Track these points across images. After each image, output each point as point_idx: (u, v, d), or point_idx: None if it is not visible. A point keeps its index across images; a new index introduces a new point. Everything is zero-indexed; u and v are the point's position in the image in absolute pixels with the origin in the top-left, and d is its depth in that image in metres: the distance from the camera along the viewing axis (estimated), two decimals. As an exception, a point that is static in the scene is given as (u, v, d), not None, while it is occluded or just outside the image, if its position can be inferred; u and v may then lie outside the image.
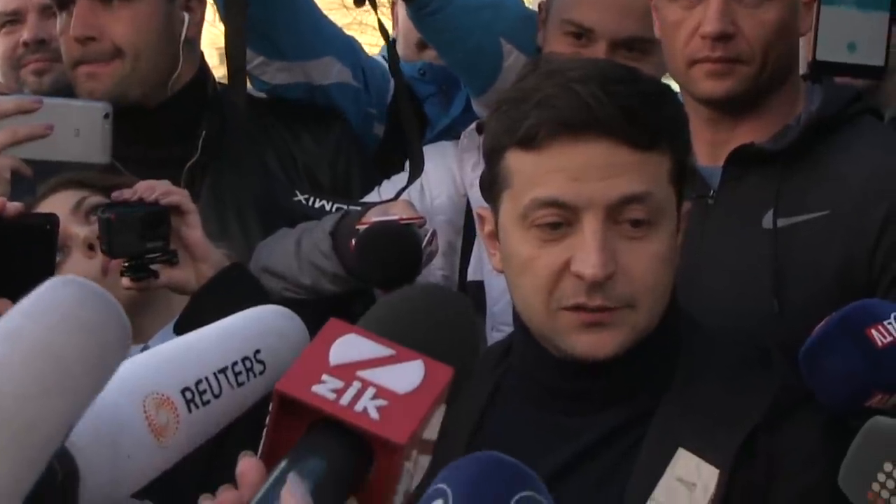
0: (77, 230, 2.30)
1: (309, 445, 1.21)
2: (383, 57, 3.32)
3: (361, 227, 2.34)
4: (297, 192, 2.66)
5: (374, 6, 2.63)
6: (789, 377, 1.78)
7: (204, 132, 2.68)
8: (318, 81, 2.78)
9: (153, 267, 2.26)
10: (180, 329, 2.30)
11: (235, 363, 1.43)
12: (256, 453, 1.24)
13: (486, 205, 1.89)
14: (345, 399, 1.20)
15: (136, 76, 2.63)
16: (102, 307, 1.15)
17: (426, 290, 1.42)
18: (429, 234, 2.37)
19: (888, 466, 1.58)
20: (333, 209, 2.62)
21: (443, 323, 1.35)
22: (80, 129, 2.41)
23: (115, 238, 2.22)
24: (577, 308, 1.74)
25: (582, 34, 2.56)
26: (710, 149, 2.22)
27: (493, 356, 1.97)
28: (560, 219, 1.73)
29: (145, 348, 2.34)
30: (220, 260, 2.32)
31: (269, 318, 1.53)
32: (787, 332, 1.94)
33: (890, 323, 1.69)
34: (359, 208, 2.53)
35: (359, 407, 1.20)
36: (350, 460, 1.20)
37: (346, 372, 1.22)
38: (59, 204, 2.34)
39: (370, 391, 1.21)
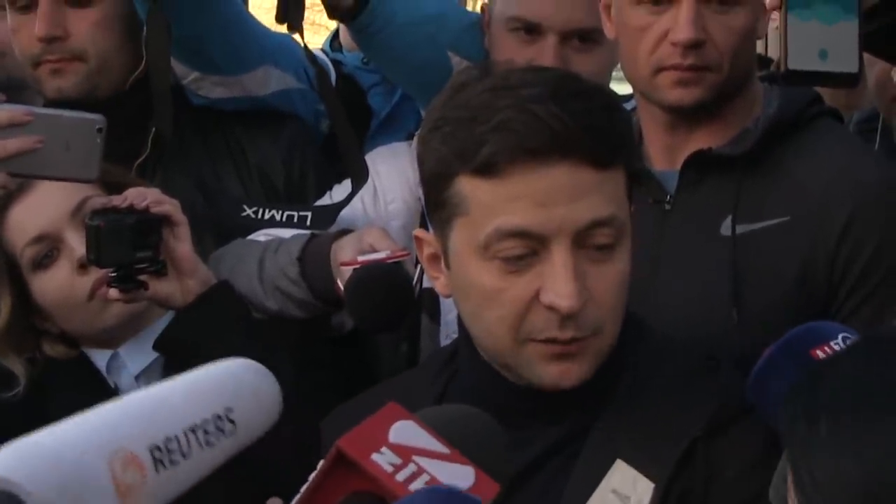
0: (74, 243, 2.21)
1: None
2: (324, 51, 3.28)
3: (346, 268, 2.21)
4: (245, 207, 2.57)
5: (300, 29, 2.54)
6: (734, 387, 1.73)
7: (154, 128, 2.59)
8: (256, 93, 2.70)
9: (141, 278, 2.18)
10: (162, 347, 2.24)
11: (206, 421, 1.32)
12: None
13: None
14: (401, 476, 1.25)
15: (103, 74, 2.58)
16: None
17: (471, 409, 1.43)
18: (417, 271, 2.29)
19: None
20: (284, 218, 2.54)
21: (479, 436, 1.38)
22: (70, 142, 2.21)
23: (104, 247, 2.14)
24: (548, 341, 1.69)
25: (530, 29, 2.50)
26: (666, 153, 2.16)
27: (438, 361, 1.93)
28: (527, 249, 1.66)
29: (115, 355, 2.29)
30: (207, 276, 2.24)
31: (243, 373, 1.42)
32: (746, 342, 1.93)
33: (837, 343, 1.64)
34: (326, 231, 2.43)
35: (412, 488, 1.24)
36: None
37: (404, 452, 1.27)
38: (58, 198, 2.24)
39: (424, 477, 1.26)
